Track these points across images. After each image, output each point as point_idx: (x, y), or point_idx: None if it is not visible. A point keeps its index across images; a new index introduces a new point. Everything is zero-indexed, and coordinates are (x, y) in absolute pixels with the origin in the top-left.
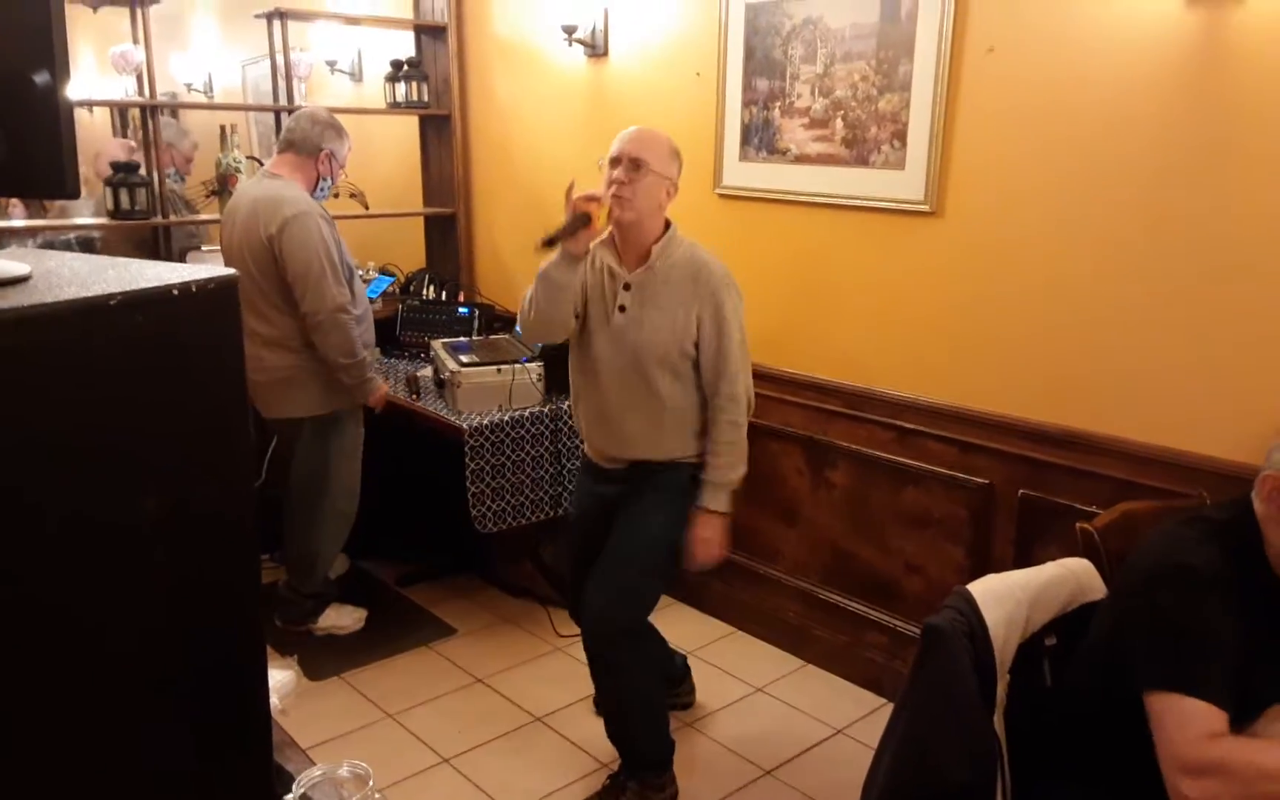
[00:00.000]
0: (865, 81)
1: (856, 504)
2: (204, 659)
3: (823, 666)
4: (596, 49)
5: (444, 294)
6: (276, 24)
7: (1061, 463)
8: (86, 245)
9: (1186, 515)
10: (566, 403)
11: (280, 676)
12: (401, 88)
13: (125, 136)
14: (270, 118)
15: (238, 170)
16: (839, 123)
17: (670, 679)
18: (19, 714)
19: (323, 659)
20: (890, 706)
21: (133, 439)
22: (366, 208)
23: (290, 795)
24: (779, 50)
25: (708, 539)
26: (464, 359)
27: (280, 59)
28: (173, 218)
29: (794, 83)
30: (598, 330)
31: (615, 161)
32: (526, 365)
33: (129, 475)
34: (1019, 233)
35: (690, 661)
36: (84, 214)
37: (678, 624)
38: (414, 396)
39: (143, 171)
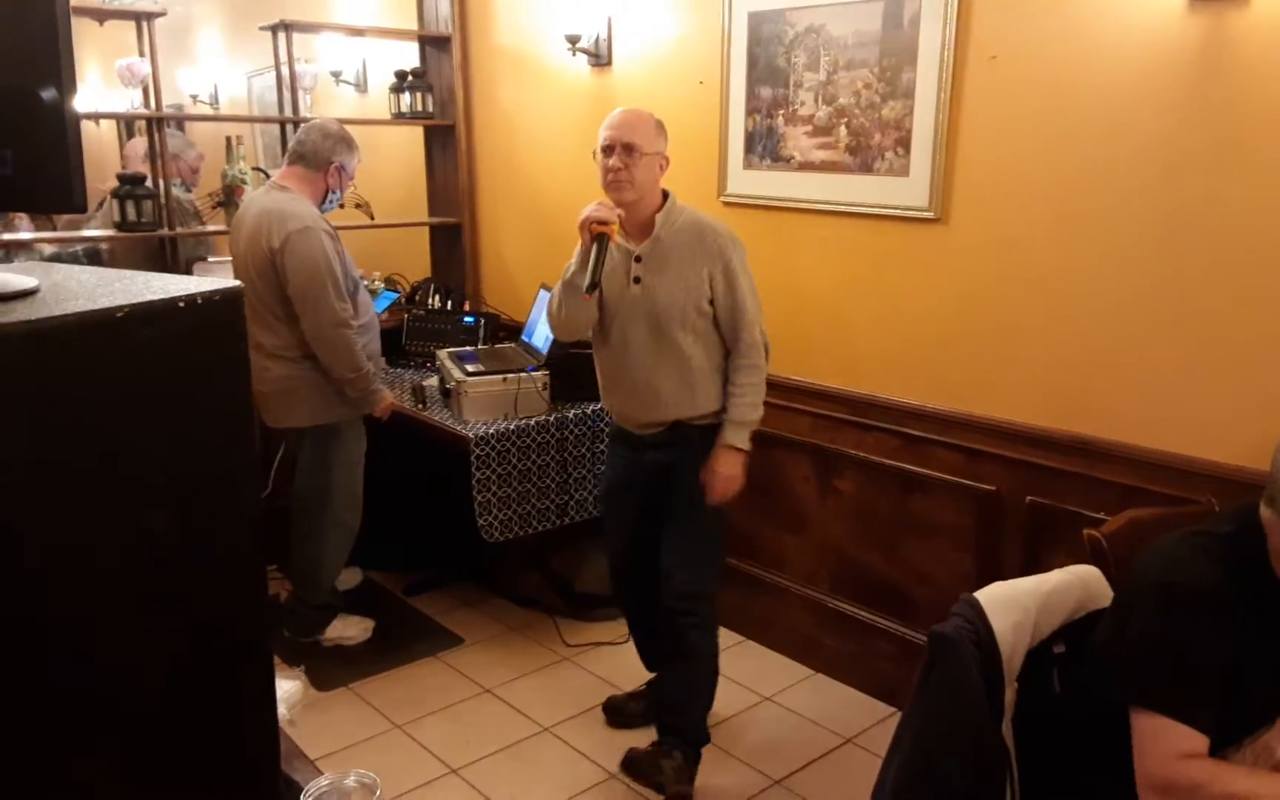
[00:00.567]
0: (868, 89)
1: (864, 512)
2: (211, 671)
3: (832, 675)
4: (600, 58)
5: (449, 303)
6: (282, 36)
7: (1069, 469)
8: (93, 257)
9: (1188, 529)
10: (573, 411)
11: (287, 687)
12: (406, 98)
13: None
14: (276, 129)
15: (243, 181)
16: (842, 130)
17: None
18: (27, 727)
19: (330, 669)
20: (900, 715)
21: (140, 451)
22: (372, 218)
23: None
24: (782, 58)
25: (729, 476)
26: (470, 368)
27: (286, 70)
28: (180, 229)
29: (797, 90)
30: (618, 306)
31: (608, 150)
32: (533, 374)
33: (136, 488)
34: (1024, 239)
35: None
36: (91, 226)
37: None
38: (420, 406)
39: (149, 183)
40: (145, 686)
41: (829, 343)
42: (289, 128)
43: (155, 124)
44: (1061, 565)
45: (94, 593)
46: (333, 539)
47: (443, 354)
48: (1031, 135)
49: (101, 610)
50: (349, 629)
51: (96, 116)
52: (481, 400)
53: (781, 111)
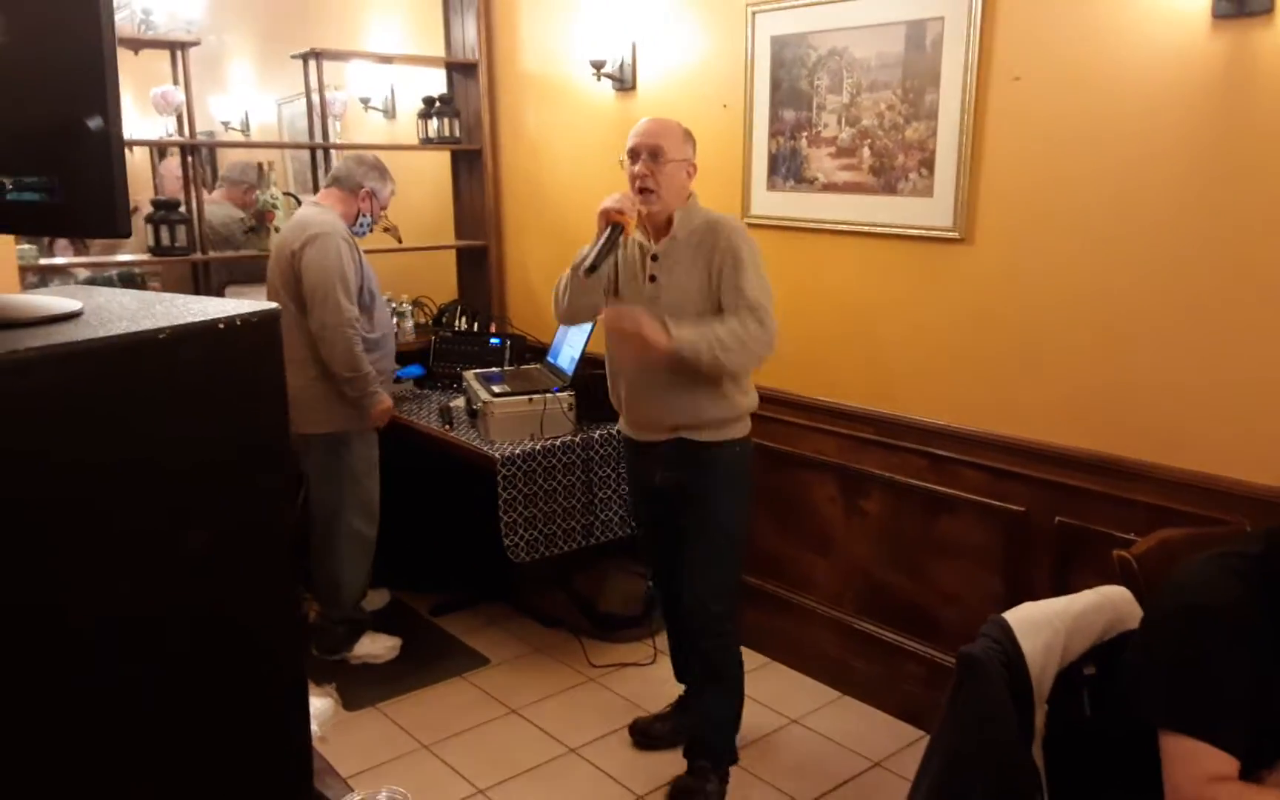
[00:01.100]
0: (891, 110)
1: (891, 533)
2: (246, 686)
3: (859, 698)
4: (625, 83)
5: (476, 325)
6: (312, 64)
7: (1097, 489)
8: (127, 281)
9: (1216, 550)
10: (599, 432)
11: (319, 704)
12: (434, 123)
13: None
14: (305, 154)
15: (274, 206)
16: (866, 151)
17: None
18: (67, 744)
19: (358, 689)
20: (928, 738)
21: (181, 470)
22: (400, 242)
23: None
24: (805, 81)
25: (644, 331)
26: (496, 389)
27: (316, 97)
28: (212, 254)
29: (820, 113)
30: (631, 303)
31: (634, 155)
32: (558, 395)
33: (177, 506)
34: (1050, 257)
35: None
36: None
37: None
38: (447, 427)
39: (182, 209)
40: (183, 702)
41: (855, 363)
42: (319, 154)
43: (189, 150)
44: (1091, 587)
45: (134, 607)
46: (349, 550)
47: (469, 375)
48: (1056, 155)
49: (142, 625)
50: (375, 646)
51: (131, 144)
52: (507, 421)
53: (805, 133)
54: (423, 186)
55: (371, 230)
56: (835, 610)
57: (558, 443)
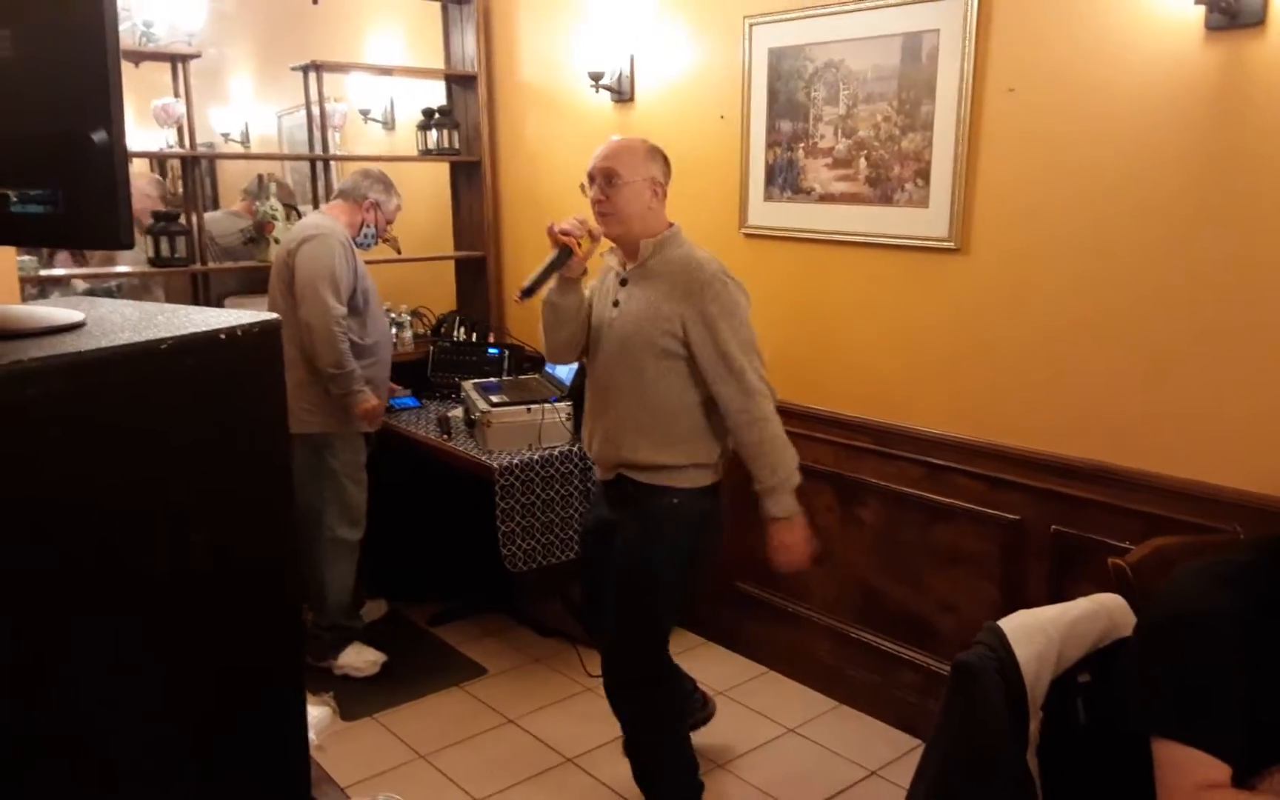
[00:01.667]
0: (887, 122)
1: (887, 541)
2: (248, 692)
3: (856, 707)
4: (623, 94)
5: (474, 335)
6: (312, 76)
7: (1093, 498)
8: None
9: (1208, 559)
10: None
11: (317, 713)
12: (433, 135)
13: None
14: (305, 166)
15: (274, 217)
16: (862, 162)
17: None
18: (66, 744)
19: (355, 699)
20: (924, 747)
21: (183, 479)
22: (399, 252)
23: None
24: (802, 93)
25: (784, 544)
26: (494, 399)
27: (316, 109)
28: (211, 265)
29: (817, 124)
30: (599, 329)
31: (591, 179)
32: (556, 405)
33: (180, 514)
34: (1044, 267)
35: (721, 702)
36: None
37: (708, 664)
38: (445, 437)
39: (182, 220)
40: (182, 708)
41: (851, 372)
42: (319, 165)
43: (189, 162)
44: (1087, 594)
45: (134, 613)
46: (331, 554)
47: (468, 385)
48: (1050, 166)
49: (142, 631)
50: (358, 659)
51: (132, 156)
52: (506, 431)
53: (802, 144)
54: (422, 198)
55: (376, 243)
56: (831, 619)
57: (556, 452)
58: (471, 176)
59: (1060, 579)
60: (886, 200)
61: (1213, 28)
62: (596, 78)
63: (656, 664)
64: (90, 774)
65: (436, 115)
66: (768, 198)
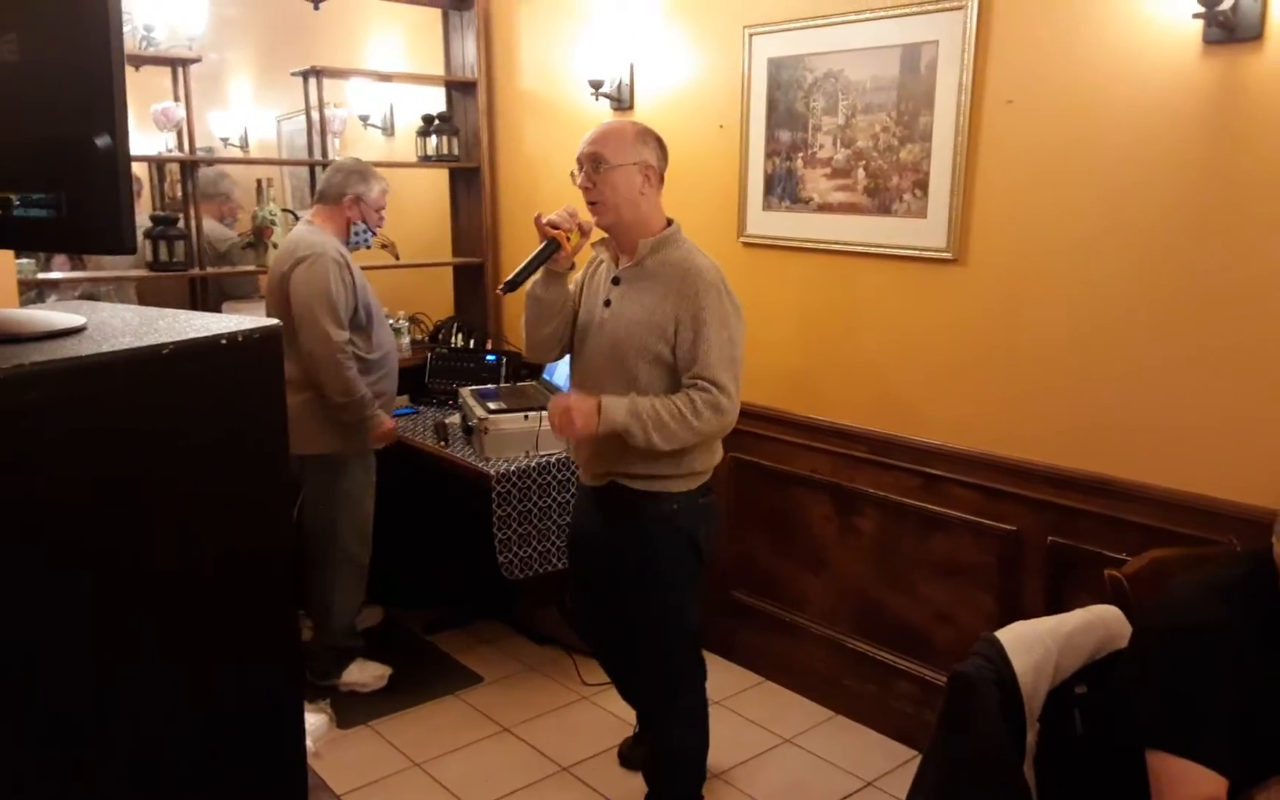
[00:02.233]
0: (886, 132)
1: (884, 551)
2: (246, 699)
3: (852, 717)
4: (622, 102)
5: (472, 342)
6: (312, 81)
7: (1090, 509)
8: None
9: (1203, 571)
10: None
11: (313, 720)
12: (433, 141)
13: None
14: (304, 171)
15: (273, 222)
16: (861, 172)
17: None
18: (69, 753)
19: (351, 707)
20: (921, 758)
21: (185, 485)
22: (397, 258)
23: None
24: (801, 102)
25: (574, 408)
26: (492, 406)
27: (315, 115)
28: (210, 269)
29: (816, 134)
30: (587, 328)
31: (579, 165)
32: None
33: (179, 520)
34: (1042, 278)
35: (718, 712)
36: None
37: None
38: (442, 443)
39: (181, 224)
40: (179, 714)
41: (848, 382)
42: (318, 170)
43: (188, 167)
44: (1083, 606)
45: (135, 617)
46: (341, 575)
47: (465, 392)
48: (1048, 177)
49: (141, 634)
50: (364, 675)
51: (131, 160)
52: (503, 437)
53: (800, 154)
54: (421, 203)
55: (370, 242)
56: (828, 629)
57: (553, 459)
58: (470, 183)
59: (1057, 590)
60: (885, 211)
61: (1210, 41)
62: (596, 86)
63: (694, 668)
64: (87, 777)
65: (436, 121)
66: (766, 207)
